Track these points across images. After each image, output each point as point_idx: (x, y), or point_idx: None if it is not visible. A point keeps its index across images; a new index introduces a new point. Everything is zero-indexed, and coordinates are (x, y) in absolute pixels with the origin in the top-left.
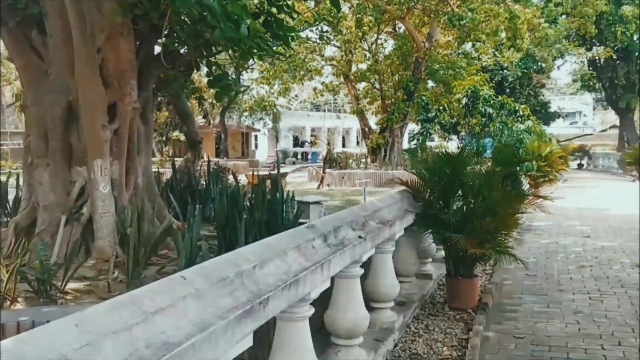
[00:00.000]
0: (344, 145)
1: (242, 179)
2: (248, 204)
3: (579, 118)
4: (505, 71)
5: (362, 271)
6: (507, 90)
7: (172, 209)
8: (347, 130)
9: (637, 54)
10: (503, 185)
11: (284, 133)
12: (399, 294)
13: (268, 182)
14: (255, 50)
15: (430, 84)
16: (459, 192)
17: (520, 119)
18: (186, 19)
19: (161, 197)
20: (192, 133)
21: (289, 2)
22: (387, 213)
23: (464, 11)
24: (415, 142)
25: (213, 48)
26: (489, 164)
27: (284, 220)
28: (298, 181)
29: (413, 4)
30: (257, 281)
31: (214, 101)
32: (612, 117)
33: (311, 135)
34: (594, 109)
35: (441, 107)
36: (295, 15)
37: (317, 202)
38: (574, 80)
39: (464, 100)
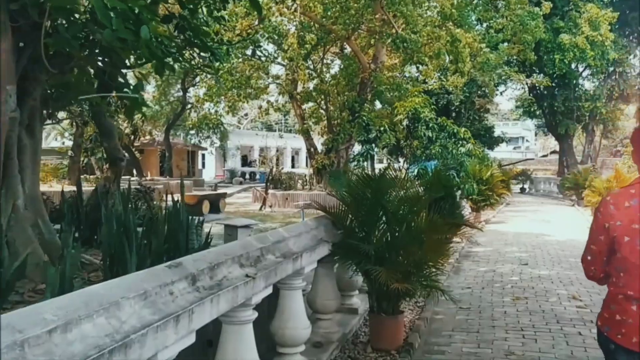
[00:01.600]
0: (293, 166)
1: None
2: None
3: (522, 143)
4: (451, 95)
5: (254, 315)
6: (453, 114)
7: (60, 234)
8: (297, 151)
9: (574, 81)
10: (439, 210)
11: (232, 152)
12: (316, 334)
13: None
14: (163, 57)
15: (378, 105)
16: (383, 218)
17: (460, 142)
18: (73, 17)
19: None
20: (113, 149)
21: (223, 14)
22: (293, 244)
23: (407, 33)
24: (355, 163)
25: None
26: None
27: (189, 249)
28: (242, 202)
29: (358, 24)
30: (51, 351)
31: (124, 116)
32: (552, 142)
33: (260, 155)
34: (536, 134)
35: (381, 128)
36: (228, 26)
37: (246, 226)
38: (517, 107)
39: (405, 122)
